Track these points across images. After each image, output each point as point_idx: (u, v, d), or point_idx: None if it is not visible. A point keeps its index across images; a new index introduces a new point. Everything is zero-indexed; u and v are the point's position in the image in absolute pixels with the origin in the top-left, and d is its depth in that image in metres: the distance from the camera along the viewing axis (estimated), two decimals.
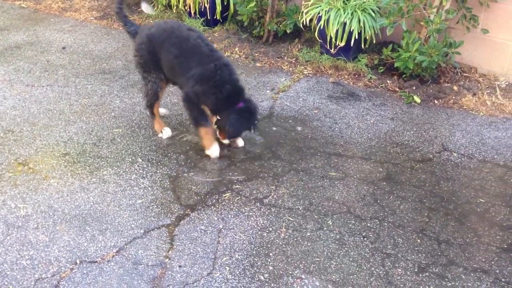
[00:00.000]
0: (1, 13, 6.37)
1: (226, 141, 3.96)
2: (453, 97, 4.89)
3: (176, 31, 3.78)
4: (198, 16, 5.99)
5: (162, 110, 4.29)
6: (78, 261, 2.88)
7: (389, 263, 3.02)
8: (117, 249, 2.98)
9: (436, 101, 4.86)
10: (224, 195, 3.50)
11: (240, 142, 4.02)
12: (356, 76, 5.22)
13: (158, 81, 3.89)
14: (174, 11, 6.16)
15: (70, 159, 3.72)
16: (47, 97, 4.52)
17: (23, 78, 4.82)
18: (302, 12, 5.39)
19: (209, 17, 5.94)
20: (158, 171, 3.68)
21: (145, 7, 4.60)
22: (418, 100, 4.83)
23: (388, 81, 5.13)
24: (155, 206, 3.35)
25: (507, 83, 5.12)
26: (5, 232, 3.03)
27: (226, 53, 5.58)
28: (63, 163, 3.68)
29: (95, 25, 6.11)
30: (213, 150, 3.86)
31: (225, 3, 5.89)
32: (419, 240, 3.21)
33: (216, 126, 3.90)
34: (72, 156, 3.76)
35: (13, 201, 3.28)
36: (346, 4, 5.20)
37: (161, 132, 4.07)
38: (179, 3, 5.94)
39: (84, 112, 4.33)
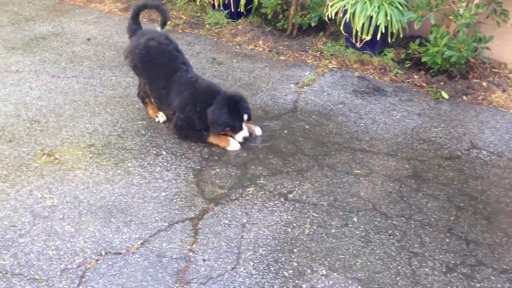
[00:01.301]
0: (27, 3, 6.42)
1: (239, 136, 3.90)
2: (482, 93, 4.78)
3: (172, 60, 3.88)
4: (221, 8, 5.95)
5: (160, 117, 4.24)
6: (103, 252, 2.89)
7: (416, 262, 2.97)
8: (142, 241, 2.98)
9: (464, 97, 4.76)
10: (248, 190, 3.47)
11: (257, 130, 4.04)
12: (382, 70, 5.14)
13: (145, 87, 4.04)
14: (198, 3, 6.13)
15: (95, 151, 3.73)
16: (72, 88, 4.54)
17: (49, 68, 4.85)
18: (328, 5, 5.32)
19: (232, 10, 5.90)
20: (182, 164, 3.67)
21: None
22: (446, 95, 4.73)
23: (415, 76, 5.04)
24: (179, 199, 3.34)
25: None
26: (31, 222, 3.06)
27: (250, 46, 5.54)
28: (88, 154, 3.69)
29: (119, 16, 6.12)
30: (233, 145, 3.86)
31: None
32: (447, 240, 3.15)
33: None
34: (97, 147, 3.77)
35: (39, 191, 3.31)
36: None
37: (156, 116, 4.12)
38: None
39: (108, 103, 4.34)
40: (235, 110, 3.78)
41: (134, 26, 4.06)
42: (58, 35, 5.57)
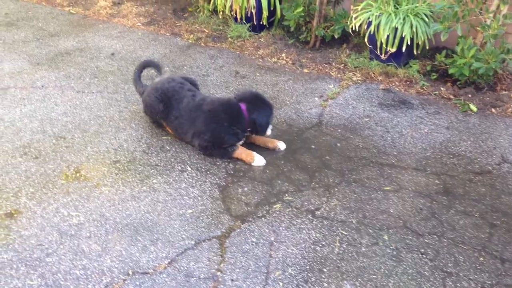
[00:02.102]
0: (51, 19, 6.49)
1: (281, 146, 3.99)
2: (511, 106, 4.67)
3: (179, 93, 4.01)
4: (244, 21, 5.94)
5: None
6: (130, 272, 2.86)
7: (450, 283, 2.87)
8: (169, 260, 2.94)
9: (493, 110, 4.65)
10: (274, 206, 3.42)
11: (281, 144, 3.99)
12: (408, 83, 5.06)
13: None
14: (220, 17, 6.13)
15: (121, 167, 3.72)
16: (97, 103, 4.55)
17: (74, 84, 4.87)
18: (351, 17, 5.27)
19: (255, 23, 5.89)
20: (207, 180, 3.63)
21: None
22: (474, 108, 4.63)
23: (442, 88, 4.94)
24: (205, 216, 3.30)
25: None
26: (58, 241, 3.04)
27: (273, 59, 5.51)
28: (114, 170, 3.68)
29: (143, 31, 6.15)
30: (258, 160, 3.83)
31: (272, 8, 5.82)
32: (481, 258, 3.05)
33: (253, 135, 4.00)
34: (123, 163, 3.76)
35: (66, 209, 3.29)
36: (397, 8, 5.05)
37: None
38: (225, 8, 5.90)
39: (133, 118, 4.34)
40: (263, 106, 3.89)
41: (141, 85, 4.37)
42: (82, 50, 5.61)
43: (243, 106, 3.82)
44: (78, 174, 3.62)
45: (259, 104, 3.86)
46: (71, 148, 3.90)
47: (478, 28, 4.78)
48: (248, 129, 3.88)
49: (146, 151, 3.91)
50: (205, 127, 3.80)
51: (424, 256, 3.05)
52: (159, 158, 3.84)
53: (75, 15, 6.65)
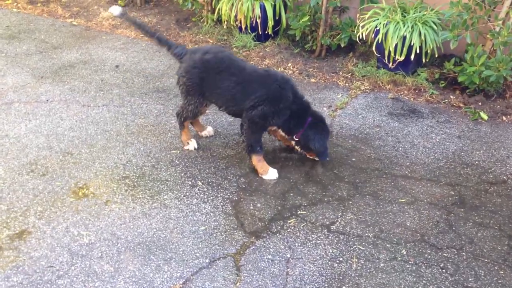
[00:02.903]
0: (53, 31, 6.43)
1: (317, 158, 3.94)
2: None
3: (233, 61, 3.77)
4: (249, 31, 5.89)
5: (209, 129, 4.25)
6: None
7: None
8: (184, 280, 2.87)
9: (504, 118, 4.59)
10: (289, 221, 3.35)
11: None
12: (417, 91, 5.01)
13: (199, 106, 3.86)
14: (225, 27, 6.08)
15: (130, 183, 3.65)
16: (103, 117, 4.48)
17: (79, 98, 4.81)
18: (358, 25, 5.22)
19: (260, 32, 5.83)
20: (219, 195, 3.56)
21: (113, 9, 4.20)
22: (485, 116, 4.58)
23: (451, 97, 4.89)
24: (219, 233, 3.23)
25: None
26: (69, 262, 2.96)
27: (279, 68, 5.45)
28: (123, 187, 3.61)
29: (146, 42, 6.09)
30: (271, 174, 3.77)
31: (277, 18, 5.78)
32: (502, 272, 2.99)
33: (299, 149, 3.92)
34: (132, 179, 3.69)
35: (76, 228, 3.22)
36: (405, 17, 5.00)
37: (188, 143, 4.05)
38: (229, 18, 5.85)
39: (141, 132, 4.27)
40: (327, 132, 3.87)
41: (176, 48, 3.94)
42: (86, 63, 5.55)
43: (309, 118, 3.76)
44: (87, 191, 3.55)
45: (322, 126, 3.81)
46: (78, 164, 3.83)
47: (487, 36, 4.73)
48: (296, 139, 3.82)
49: (155, 166, 3.84)
50: (271, 99, 3.60)
51: (444, 271, 2.99)
52: (168, 173, 3.78)
53: (78, 26, 6.59)
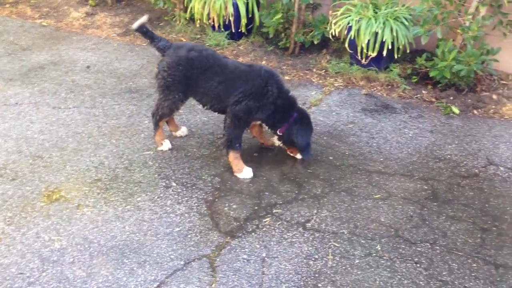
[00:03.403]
0: (22, 32, 6.30)
1: (299, 156, 3.93)
2: (493, 107, 4.68)
3: (217, 59, 3.73)
4: (222, 29, 5.86)
5: (183, 129, 4.21)
6: None
7: None
8: (158, 283, 2.83)
9: (475, 111, 4.66)
10: (264, 220, 3.34)
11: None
12: (389, 87, 5.04)
13: (178, 103, 3.81)
14: (198, 25, 6.03)
15: (103, 186, 3.59)
16: (74, 119, 4.40)
17: (49, 100, 4.72)
18: (331, 22, 5.23)
19: (233, 30, 5.80)
20: (194, 196, 3.53)
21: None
22: (456, 110, 4.63)
23: (423, 91, 4.94)
24: (194, 234, 3.20)
25: None
26: (40, 268, 2.90)
27: None
28: (95, 190, 3.55)
29: (118, 42, 6.01)
30: (246, 173, 3.75)
31: (250, 16, 5.76)
32: (475, 265, 3.02)
33: (281, 143, 3.92)
34: (104, 182, 3.63)
35: (46, 233, 3.15)
36: (377, 13, 5.03)
37: (161, 144, 4.00)
38: (202, 16, 5.81)
39: (113, 134, 4.21)
40: (310, 128, 3.87)
41: (159, 41, 3.81)
42: (56, 64, 5.45)
43: (295, 114, 3.76)
44: (58, 195, 3.48)
45: (307, 122, 3.81)
46: (49, 168, 3.76)
47: (458, 31, 4.79)
48: (280, 134, 3.81)
49: (128, 168, 3.79)
50: (255, 94, 3.60)
51: (418, 265, 3.01)
52: (142, 174, 3.73)
53: (47, 27, 6.47)
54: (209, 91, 3.70)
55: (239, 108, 3.61)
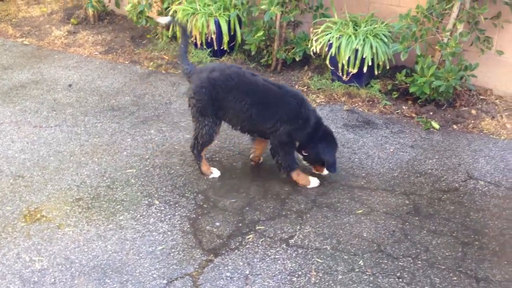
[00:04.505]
0: (3, 51, 6.27)
1: (325, 172, 3.96)
2: (472, 121, 4.76)
3: (242, 77, 3.69)
4: (204, 47, 5.89)
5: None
6: None
7: None
8: None
9: (455, 126, 4.73)
10: (247, 237, 3.34)
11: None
12: (370, 102, 5.10)
13: (214, 126, 3.75)
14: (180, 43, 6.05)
15: (84, 205, 3.57)
16: (56, 138, 4.38)
17: (30, 118, 4.69)
18: (312, 39, 5.30)
19: (216, 48, 5.85)
20: (177, 214, 3.52)
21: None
22: (436, 125, 4.70)
23: (404, 107, 5.01)
24: (177, 252, 3.19)
25: None
26: None
27: None
28: (77, 209, 3.52)
29: (100, 60, 6.01)
30: (313, 182, 3.86)
31: (232, 33, 5.81)
32: (457, 279, 3.05)
33: (306, 162, 3.96)
34: (86, 201, 3.61)
35: (27, 253, 3.12)
36: (357, 30, 5.11)
37: (211, 172, 3.93)
38: None
39: (95, 152, 4.19)
40: (335, 144, 3.87)
41: (187, 65, 3.83)
42: (38, 83, 5.42)
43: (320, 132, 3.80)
44: (39, 215, 3.45)
45: (331, 139, 3.82)
46: (30, 188, 3.72)
47: (436, 47, 4.88)
48: (305, 154, 3.85)
49: (110, 186, 3.77)
50: (292, 118, 3.63)
51: (400, 280, 3.03)
52: (124, 193, 3.71)
53: (29, 46, 6.45)
54: (240, 113, 3.66)
55: (281, 134, 3.66)
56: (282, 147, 3.72)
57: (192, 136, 3.86)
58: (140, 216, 3.48)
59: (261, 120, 3.65)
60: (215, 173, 3.94)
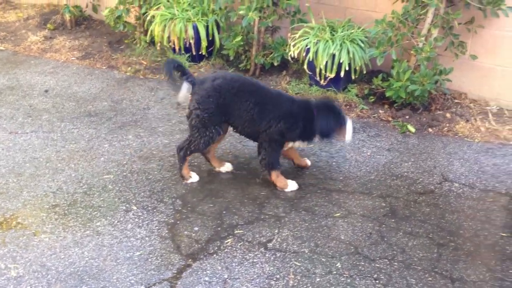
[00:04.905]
0: None
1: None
2: (447, 125, 4.84)
3: (244, 79, 3.95)
4: (183, 52, 5.89)
5: (228, 165, 4.08)
6: None
7: None
8: None
9: (430, 129, 4.81)
10: (226, 241, 3.34)
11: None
12: (348, 107, 5.16)
13: (216, 136, 3.80)
14: (158, 48, 6.05)
15: (61, 211, 3.53)
16: (32, 144, 4.33)
17: (6, 125, 4.63)
18: (290, 44, 5.34)
19: (194, 53, 5.85)
20: (155, 219, 3.51)
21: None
22: (412, 129, 4.77)
23: (380, 111, 5.07)
24: (154, 258, 3.17)
25: (498, 108, 5.12)
26: None
27: None
28: (53, 215, 3.49)
29: (77, 65, 5.97)
30: (291, 186, 3.89)
31: (210, 38, 5.82)
32: (432, 280, 3.09)
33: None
34: (63, 207, 3.57)
35: (2, 261, 3.07)
36: (334, 35, 5.17)
37: (190, 177, 3.94)
38: (163, 39, 5.84)
39: (72, 158, 4.15)
40: (333, 113, 3.87)
41: (189, 77, 3.79)
42: (13, 89, 5.36)
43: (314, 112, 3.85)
44: (14, 222, 3.41)
45: (325, 112, 3.84)
46: (5, 194, 3.67)
47: (411, 52, 4.96)
48: (316, 140, 3.93)
49: (87, 192, 3.74)
50: (287, 117, 3.75)
51: (377, 281, 3.06)
52: (101, 199, 3.69)
53: (4, 51, 6.37)
54: (243, 113, 3.74)
55: (273, 131, 3.74)
56: (270, 143, 3.77)
57: (184, 139, 3.86)
58: (118, 222, 3.46)
59: (259, 119, 3.74)
60: (194, 177, 3.94)
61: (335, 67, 5.04)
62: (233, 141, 4.50)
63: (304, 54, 5.25)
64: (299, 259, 3.21)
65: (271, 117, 3.72)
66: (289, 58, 5.37)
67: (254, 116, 3.73)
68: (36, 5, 7.69)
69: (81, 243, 3.25)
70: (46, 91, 5.32)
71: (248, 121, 3.76)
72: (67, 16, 6.89)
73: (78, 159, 4.15)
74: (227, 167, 4.08)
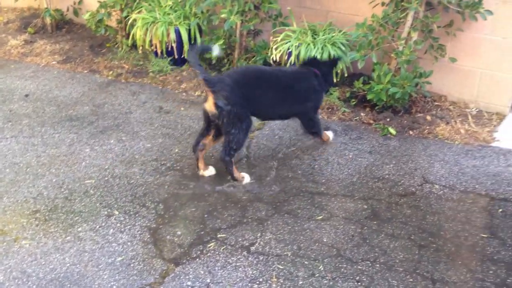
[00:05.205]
0: None
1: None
2: (427, 127, 4.90)
3: (258, 68, 4.51)
4: (165, 55, 5.88)
5: (211, 169, 4.09)
6: None
7: None
8: None
9: (411, 132, 4.85)
10: (208, 245, 3.34)
11: (330, 134, 4.62)
12: (330, 110, 5.19)
13: (250, 126, 3.95)
14: (140, 51, 6.02)
15: (41, 217, 3.50)
16: (12, 149, 4.28)
17: None
18: (272, 48, 5.36)
19: (176, 56, 5.84)
20: (137, 224, 3.49)
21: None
22: (393, 131, 4.81)
23: (362, 114, 5.11)
24: (137, 263, 3.16)
25: (477, 110, 5.19)
26: None
27: (196, 92, 5.48)
28: (34, 221, 3.45)
29: (58, 69, 5.91)
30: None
31: (192, 42, 5.81)
32: (413, 281, 3.12)
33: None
34: (43, 213, 3.54)
35: None
36: (315, 38, 5.20)
37: (243, 177, 3.98)
38: (145, 43, 5.81)
39: (52, 163, 4.11)
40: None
41: (207, 75, 3.83)
42: None
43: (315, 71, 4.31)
44: None
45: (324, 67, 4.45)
46: None
47: (392, 55, 5.01)
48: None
49: (68, 198, 3.71)
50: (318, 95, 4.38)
51: (359, 283, 3.08)
52: (83, 204, 3.66)
53: None
54: (271, 99, 4.02)
55: (309, 105, 4.30)
56: (314, 117, 4.42)
57: (223, 146, 3.87)
58: (99, 227, 3.44)
59: (291, 101, 4.19)
60: (247, 177, 4.00)
61: None
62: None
63: (286, 57, 5.27)
64: (282, 262, 3.22)
65: (305, 91, 4.18)
66: (271, 61, 5.39)
67: (288, 97, 4.10)
68: (16, 9, 7.60)
69: (62, 249, 3.23)
70: (27, 95, 5.26)
71: (278, 104, 4.07)
72: (48, 20, 6.82)
73: (59, 164, 4.11)
74: (210, 171, 4.08)
